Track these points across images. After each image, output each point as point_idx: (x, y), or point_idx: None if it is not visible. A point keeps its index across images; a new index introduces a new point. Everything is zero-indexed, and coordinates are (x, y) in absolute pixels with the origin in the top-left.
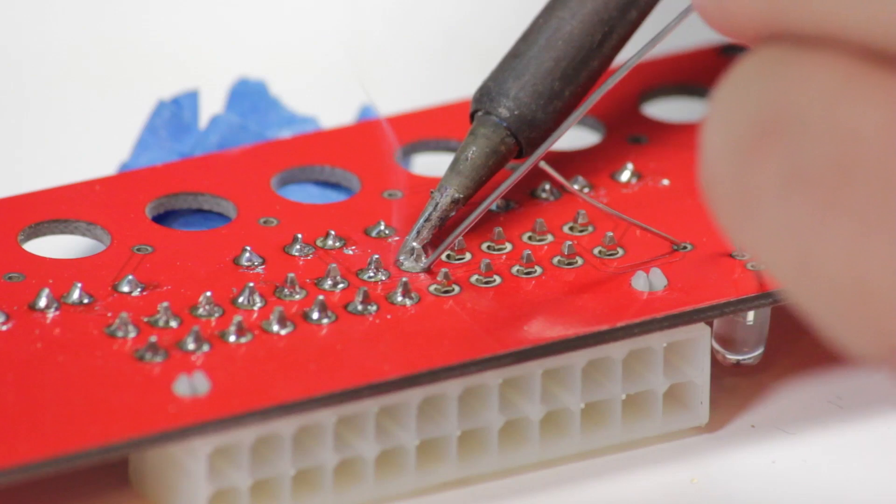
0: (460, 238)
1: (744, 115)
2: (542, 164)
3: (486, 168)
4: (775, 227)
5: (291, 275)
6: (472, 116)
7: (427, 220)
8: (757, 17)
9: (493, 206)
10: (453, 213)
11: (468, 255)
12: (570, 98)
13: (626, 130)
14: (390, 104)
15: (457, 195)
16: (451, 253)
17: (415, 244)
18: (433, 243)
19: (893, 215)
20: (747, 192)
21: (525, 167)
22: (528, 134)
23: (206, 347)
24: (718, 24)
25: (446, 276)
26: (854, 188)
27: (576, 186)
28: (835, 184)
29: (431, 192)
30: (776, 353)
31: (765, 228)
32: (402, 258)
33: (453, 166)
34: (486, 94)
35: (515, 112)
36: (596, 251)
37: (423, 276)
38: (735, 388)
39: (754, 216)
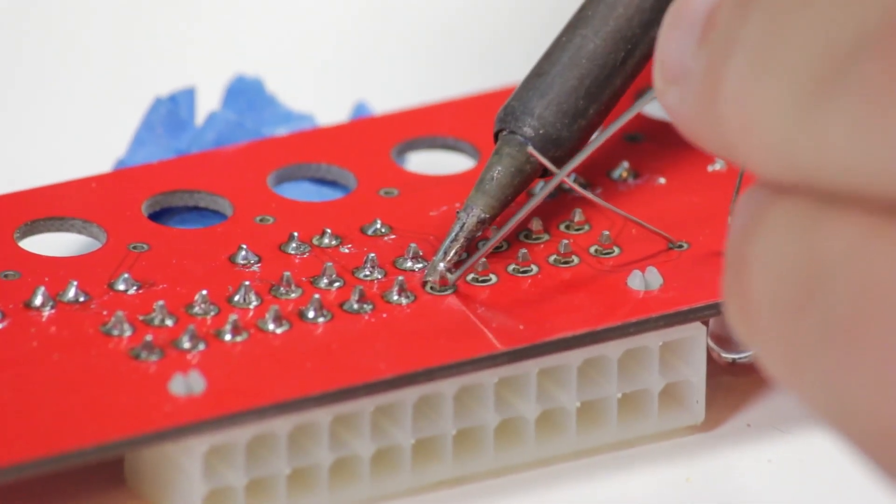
0: (484, 259)
1: (787, 276)
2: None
3: (511, 187)
4: (819, 380)
5: (287, 273)
6: (496, 136)
7: (454, 240)
8: (765, 151)
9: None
10: (479, 234)
11: (464, 255)
12: (594, 116)
13: (623, 128)
14: (385, 101)
15: (483, 215)
16: (476, 275)
17: (442, 265)
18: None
19: None
20: (796, 351)
21: (550, 185)
22: (553, 153)
23: (201, 346)
24: (704, 134)
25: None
26: (882, 338)
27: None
28: (865, 335)
29: (457, 213)
30: None
31: (810, 381)
32: (430, 279)
33: (479, 186)
34: (511, 114)
35: (540, 131)
36: (592, 250)
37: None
38: (731, 386)
39: (800, 371)
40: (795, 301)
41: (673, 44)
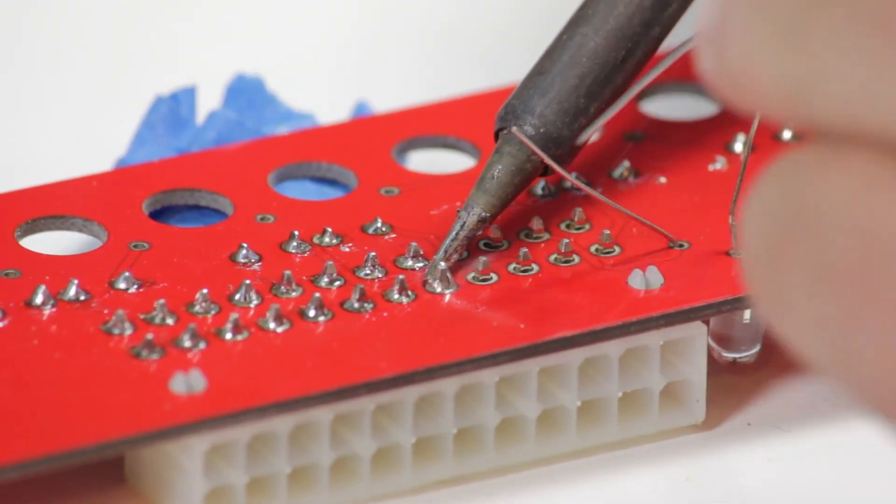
0: (485, 258)
1: (770, 215)
2: (546, 158)
3: (512, 186)
4: (810, 323)
5: (288, 272)
6: (496, 135)
7: (454, 239)
8: (772, 96)
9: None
10: (480, 233)
11: (465, 254)
12: (595, 115)
13: (623, 127)
14: (386, 100)
15: (484, 214)
16: (476, 273)
17: (443, 264)
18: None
19: None
20: (780, 290)
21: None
22: (554, 151)
23: (202, 345)
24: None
25: (447, 273)
26: (879, 286)
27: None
28: (861, 282)
29: (458, 212)
30: (772, 351)
31: (800, 325)
32: (430, 279)
33: (479, 185)
34: (511, 112)
35: (541, 130)
36: (593, 249)
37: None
38: (731, 385)
39: (790, 313)
40: (779, 242)
41: (704, 8)
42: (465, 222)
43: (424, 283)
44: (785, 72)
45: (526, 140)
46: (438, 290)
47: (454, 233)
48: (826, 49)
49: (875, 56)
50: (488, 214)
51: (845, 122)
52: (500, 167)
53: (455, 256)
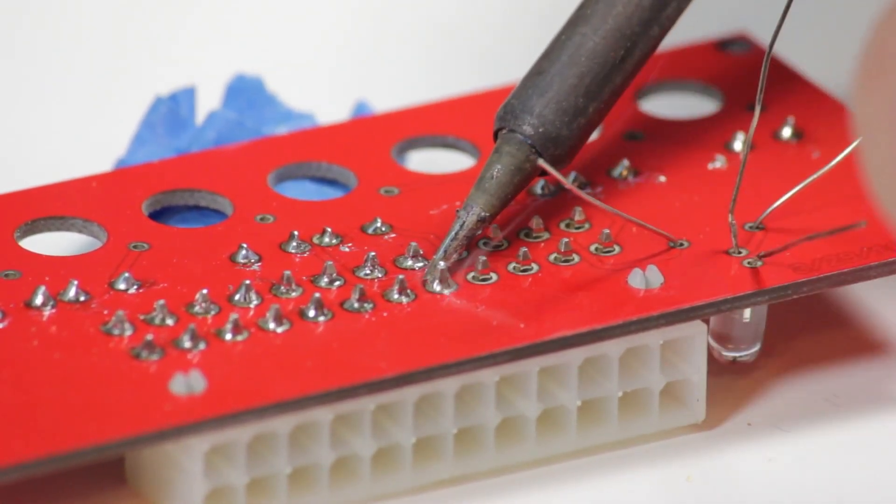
0: (484, 258)
1: (867, 51)
2: (542, 163)
3: (511, 186)
4: (888, 160)
5: (288, 272)
6: (495, 135)
7: (454, 239)
8: None
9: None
10: (479, 232)
11: (465, 254)
12: (594, 114)
13: (623, 126)
14: (386, 100)
15: (483, 214)
16: (476, 273)
17: (442, 263)
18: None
19: None
20: (866, 127)
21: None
22: (553, 151)
23: (202, 345)
24: None
25: (447, 273)
26: None
27: (574, 184)
28: None
29: (457, 212)
30: (772, 351)
31: (879, 164)
32: (429, 278)
33: (479, 184)
34: (510, 112)
35: (540, 129)
36: (592, 248)
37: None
38: (731, 385)
39: (872, 151)
40: (869, 77)
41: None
42: (464, 222)
43: (424, 282)
44: None
45: (550, 169)
46: (438, 289)
47: (453, 233)
48: None
49: None
50: (487, 214)
51: None
52: (499, 167)
53: (455, 256)
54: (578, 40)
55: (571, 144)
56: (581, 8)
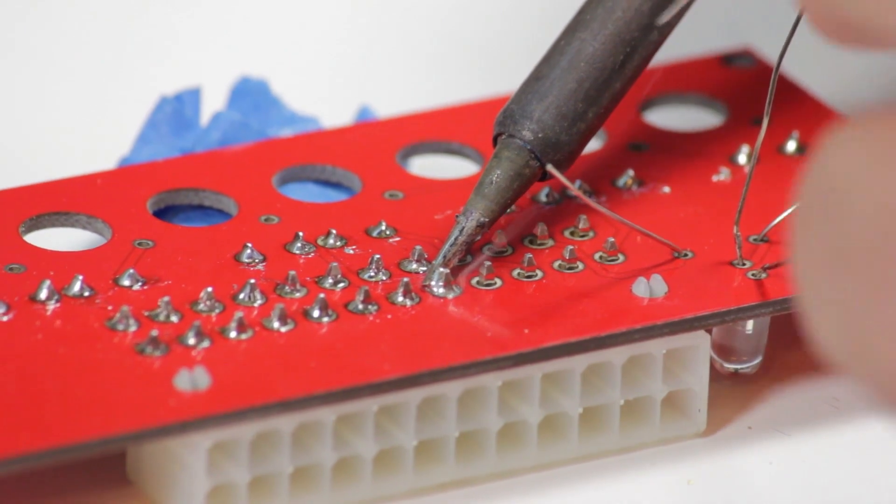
0: (489, 263)
1: (805, 189)
2: (550, 168)
3: (510, 191)
4: (827, 306)
5: (292, 272)
6: (495, 140)
7: (453, 244)
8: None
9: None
10: (479, 237)
11: (469, 259)
12: (593, 119)
13: (628, 137)
14: (389, 106)
15: (482, 219)
16: (481, 278)
17: (442, 269)
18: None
19: None
20: (803, 266)
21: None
22: (553, 156)
23: (206, 343)
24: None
25: (447, 277)
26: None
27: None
28: (878, 263)
29: (457, 217)
30: (774, 363)
31: (819, 307)
32: (430, 283)
33: (478, 190)
34: (510, 117)
35: (539, 135)
36: (597, 256)
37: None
38: (732, 389)
39: (810, 293)
40: (806, 218)
41: None
42: (463, 227)
43: (423, 287)
44: None
45: (561, 176)
46: (437, 294)
47: (453, 238)
48: None
49: None
50: (487, 219)
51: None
52: (498, 172)
53: (454, 261)
54: (578, 45)
55: (571, 149)
56: (580, 13)
